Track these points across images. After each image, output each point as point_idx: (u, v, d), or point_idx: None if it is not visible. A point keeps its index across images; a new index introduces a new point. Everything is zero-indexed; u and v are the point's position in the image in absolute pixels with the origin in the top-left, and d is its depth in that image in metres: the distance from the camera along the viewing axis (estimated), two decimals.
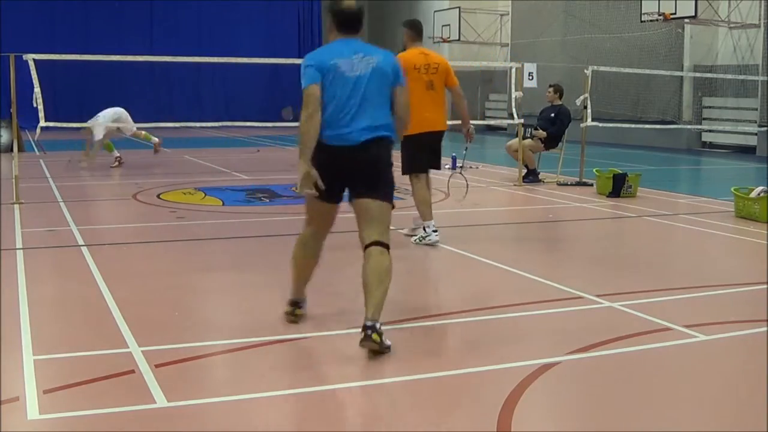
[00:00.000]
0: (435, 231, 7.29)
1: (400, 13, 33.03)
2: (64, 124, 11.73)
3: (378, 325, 4.24)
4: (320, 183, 4.39)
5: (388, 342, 4.28)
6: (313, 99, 4.39)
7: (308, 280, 4.93)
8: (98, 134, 13.35)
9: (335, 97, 4.45)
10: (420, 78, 7.07)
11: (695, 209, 9.80)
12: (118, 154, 14.03)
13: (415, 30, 7.36)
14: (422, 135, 7.08)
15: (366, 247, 4.45)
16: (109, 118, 13.46)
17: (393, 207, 4.61)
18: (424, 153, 7.25)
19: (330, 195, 4.53)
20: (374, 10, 35.33)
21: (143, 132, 14.14)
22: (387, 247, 4.46)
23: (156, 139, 14.35)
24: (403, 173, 7.22)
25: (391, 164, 4.61)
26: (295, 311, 4.87)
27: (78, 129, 13.29)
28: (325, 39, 4.68)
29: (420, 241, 7.33)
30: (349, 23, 4.64)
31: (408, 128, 4.92)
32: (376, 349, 4.21)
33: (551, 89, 12.59)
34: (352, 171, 4.49)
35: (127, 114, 13.78)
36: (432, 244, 7.24)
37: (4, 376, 3.90)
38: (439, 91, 7.23)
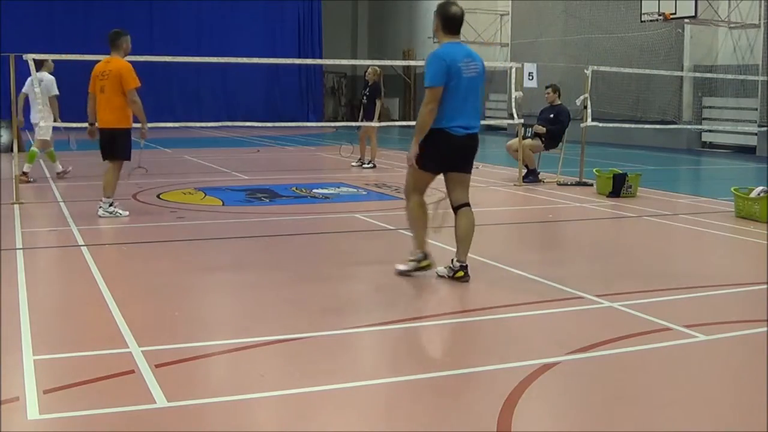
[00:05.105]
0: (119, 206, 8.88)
1: (401, 13, 33.06)
2: (64, 124, 11.72)
3: (466, 264, 5.93)
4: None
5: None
6: (437, 97, 5.69)
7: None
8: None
9: (455, 94, 5.72)
10: (97, 84, 8.68)
11: (695, 209, 9.80)
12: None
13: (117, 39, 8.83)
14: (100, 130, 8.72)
15: (459, 207, 5.97)
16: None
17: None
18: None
19: (438, 168, 5.90)
20: (374, 10, 35.37)
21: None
22: (470, 205, 6.03)
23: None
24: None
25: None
26: (425, 261, 6.05)
27: (77, 128, 13.17)
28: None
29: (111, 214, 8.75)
30: (455, 27, 5.85)
31: None
32: (467, 280, 5.86)
33: (549, 90, 12.59)
34: (460, 154, 5.91)
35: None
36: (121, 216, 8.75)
37: (4, 376, 3.90)
38: (108, 93, 8.59)
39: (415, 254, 6.09)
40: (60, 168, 12.45)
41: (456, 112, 5.79)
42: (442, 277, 6.02)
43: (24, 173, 11.49)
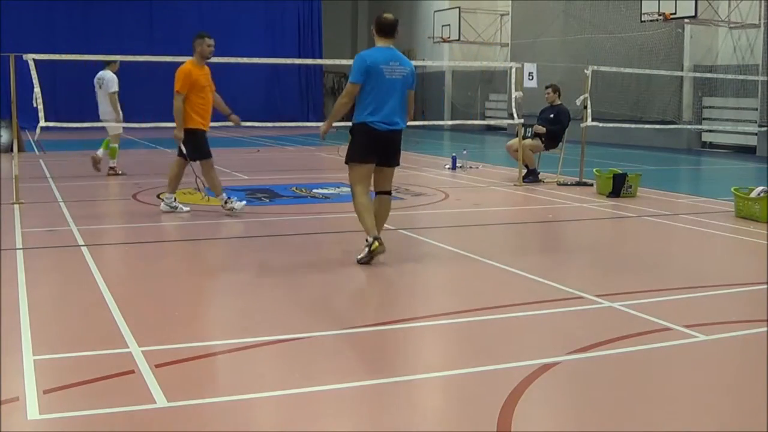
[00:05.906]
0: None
1: (401, 13, 33.07)
2: (64, 124, 11.73)
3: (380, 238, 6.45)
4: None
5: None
6: (351, 93, 6.41)
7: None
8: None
9: (376, 93, 6.37)
10: None
11: (695, 209, 9.80)
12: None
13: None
14: None
15: (379, 193, 6.69)
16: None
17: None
18: None
19: (364, 157, 6.47)
20: (374, 10, 35.40)
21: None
22: (390, 193, 6.78)
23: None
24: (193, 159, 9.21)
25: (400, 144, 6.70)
26: (375, 243, 6.40)
27: (77, 129, 13.21)
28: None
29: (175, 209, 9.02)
30: (387, 31, 6.57)
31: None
32: (382, 250, 6.38)
33: (550, 90, 12.59)
34: (382, 147, 6.50)
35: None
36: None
37: (4, 376, 3.89)
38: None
39: (366, 241, 6.43)
40: (113, 164, 12.80)
41: (377, 109, 6.40)
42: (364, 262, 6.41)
43: (112, 167, 12.64)
